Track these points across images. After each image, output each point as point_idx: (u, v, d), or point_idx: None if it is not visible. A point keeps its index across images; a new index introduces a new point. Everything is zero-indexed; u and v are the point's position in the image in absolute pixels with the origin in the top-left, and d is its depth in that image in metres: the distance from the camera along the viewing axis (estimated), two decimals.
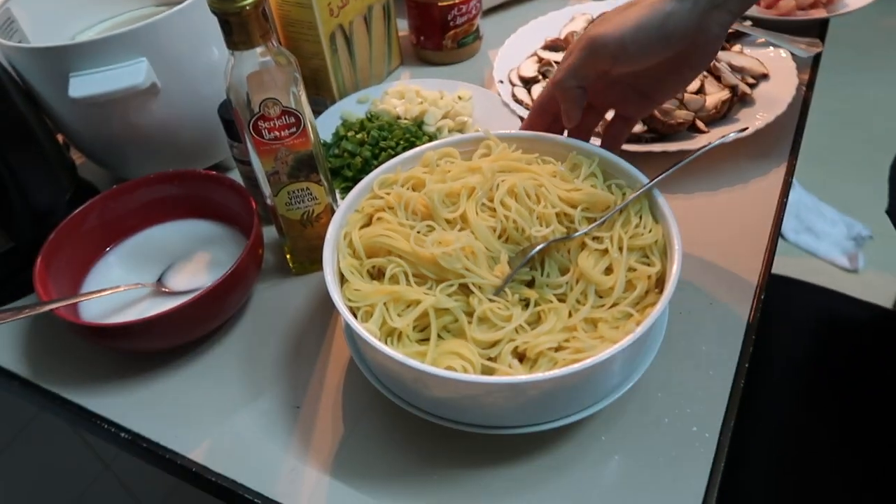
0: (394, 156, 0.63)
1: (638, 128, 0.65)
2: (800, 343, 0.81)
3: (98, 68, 0.56)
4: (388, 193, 0.50)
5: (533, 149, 0.53)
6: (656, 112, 0.65)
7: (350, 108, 0.73)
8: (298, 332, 0.54)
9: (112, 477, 0.87)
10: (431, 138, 0.67)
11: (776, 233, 0.60)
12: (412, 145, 0.65)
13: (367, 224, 0.50)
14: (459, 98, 0.72)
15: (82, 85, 0.55)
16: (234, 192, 0.58)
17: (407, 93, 0.72)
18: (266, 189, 0.52)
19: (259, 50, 0.46)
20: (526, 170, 0.50)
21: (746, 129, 0.54)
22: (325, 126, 0.71)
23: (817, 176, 1.91)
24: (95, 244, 0.58)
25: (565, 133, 0.54)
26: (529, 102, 0.70)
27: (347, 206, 0.50)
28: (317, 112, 0.74)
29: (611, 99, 0.54)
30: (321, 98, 0.75)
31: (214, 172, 0.59)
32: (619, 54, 0.48)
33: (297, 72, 0.48)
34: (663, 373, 0.47)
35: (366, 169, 0.64)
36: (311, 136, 0.50)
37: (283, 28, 0.71)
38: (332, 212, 0.55)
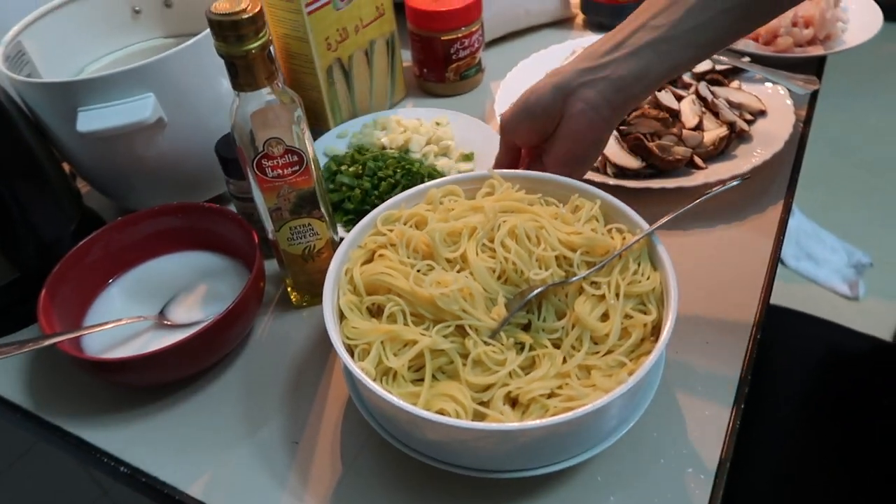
0: (393, 184, 0.65)
1: (636, 164, 0.66)
2: (798, 376, 0.81)
3: (106, 103, 0.57)
4: (390, 230, 0.51)
5: (536, 189, 0.54)
6: (655, 148, 0.66)
7: (331, 143, 0.73)
8: (298, 366, 0.54)
9: (110, 502, 0.87)
10: (420, 163, 0.68)
11: (773, 270, 0.61)
12: (409, 172, 0.66)
13: (370, 260, 0.51)
14: (437, 124, 0.74)
15: (90, 120, 0.56)
16: (236, 225, 0.58)
17: (388, 124, 0.74)
18: (268, 225, 0.53)
19: (264, 90, 0.47)
20: (528, 211, 0.51)
21: (749, 175, 0.54)
22: None
23: (817, 201, 1.92)
24: (99, 276, 0.59)
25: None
26: None
27: (350, 242, 0.50)
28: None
29: (529, 163, 0.59)
30: (319, 128, 0.76)
31: (218, 206, 0.60)
32: (511, 131, 0.56)
33: (301, 110, 0.49)
34: (659, 412, 0.48)
35: (366, 200, 0.65)
36: (314, 173, 0.51)
37: (283, 59, 0.72)
38: (334, 246, 0.56)
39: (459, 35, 0.78)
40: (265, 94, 0.47)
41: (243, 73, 0.46)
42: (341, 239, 0.55)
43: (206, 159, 0.62)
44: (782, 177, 0.68)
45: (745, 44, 0.80)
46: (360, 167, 0.67)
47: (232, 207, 0.64)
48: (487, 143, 0.69)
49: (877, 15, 0.82)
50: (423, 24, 0.78)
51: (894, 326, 1.28)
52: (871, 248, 1.74)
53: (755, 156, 0.66)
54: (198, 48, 0.58)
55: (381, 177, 0.66)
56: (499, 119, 0.59)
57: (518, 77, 0.80)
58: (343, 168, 0.68)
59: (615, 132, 0.69)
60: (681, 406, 0.49)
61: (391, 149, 0.71)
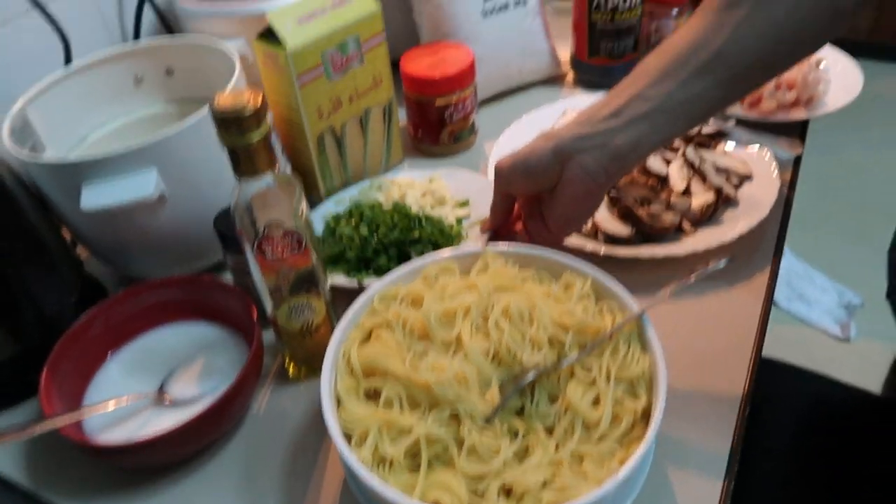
0: (391, 226, 0.67)
1: (626, 231, 0.68)
2: (789, 430, 0.82)
3: (109, 179, 0.58)
4: (387, 309, 0.52)
5: (529, 263, 0.55)
6: (644, 215, 0.68)
7: (329, 209, 0.75)
8: (295, 443, 0.55)
9: None
10: (416, 213, 0.70)
11: (762, 336, 0.62)
12: (405, 216, 0.68)
13: (367, 338, 0.52)
14: (430, 181, 0.76)
15: (93, 196, 0.57)
16: (236, 298, 0.59)
17: (382, 185, 0.76)
18: (267, 303, 0.54)
19: (265, 176, 0.49)
20: (521, 289, 0.52)
21: (733, 257, 0.56)
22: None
23: (807, 242, 1.94)
24: (99, 349, 0.59)
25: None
26: None
27: (349, 322, 0.52)
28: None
29: (526, 215, 0.60)
30: (309, 192, 0.77)
31: (218, 280, 0.61)
32: (506, 183, 0.57)
33: (301, 193, 0.51)
34: (650, 491, 0.49)
35: (366, 247, 0.66)
36: (313, 254, 0.52)
37: (277, 124, 0.73)
38: (331, 322, 0.57)
39: (454, 100, 0.80)
40: (266, 179, 0.49)
41: (245, 162, 0.47)
42: (332, 288, 0.58)
43: (206, 230, 0.63)
44: (768, 243, 0.70)
45: (731, 107, 0.82)
46: (358, 217, 0.69)
47: (229, 275, 0.65)
48: (482, 192, 0.71)
49: (857, 76, 0.85)
50: (418, 89, 0.80)
51: (886, 372, 1.29)
52: (862, 288, 1.76)
53: (742, 223, 0.68)
54: (201, 124, 0.60)
55: (378, 222, 0.68)
56: (491, 168, 0.60)
57: (511, 138, 0.82)
58: (342, 222, 0.70)
59: (606, 198, 0.70)
60: (672, 482, 0.50)
61: (385, 203, 0.73)
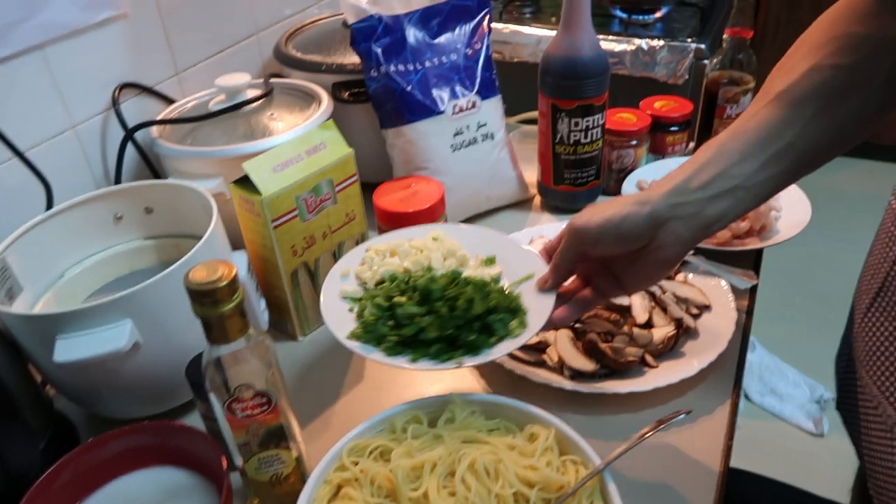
0: (470, 299, 0.61)
1: (591, 366, 0.70)
2: None
3: (84, 331, 0.59)
4: (355, 464, 0.53)
5: (495, 413, 0.57)
6: (608, 350, 0.70)
7: (338, 285, 0.68)
8: None
9: None
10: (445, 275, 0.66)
11: (725, 469, 0.64)
12: (474, 286, 0.63)
13: (336, 494, 0.52)
14: (434, 238, 0.73)
15: (67, 350, 0.58)
16: (206, 446, 0.59)
17: (397, 248, 0.71)
18: (237, 458, 0.55)
19: (236, 342, 0.50)
20: (486, 442, 0.53)
21: (690, 411, 0.58)
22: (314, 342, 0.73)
23: (777, 335, 1.98)
24: (68, 499, 0.59)
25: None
26: None
27: (317, 479, 0.52)
28: (282, 335, 0.78)
29: (590, 273, 0.63)
30: (283, 322, 0.79)
31: (189, 427, 0.61)
32: (592, 243, 0.59)
33: (273, 356, 0.52)
34: None
35: (446, 325, 0.60)
36: (282, 411, 0.53)
37: (253, 259, 0.75)
38: (301, 470, 0.58)
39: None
40: (238, 344, 0.50)
41: (217, 330, 0.49)
42: None
43: (178, 374, 0.64)
44: (728, 374, 0.72)
45: None
46: (414, 293, 0.63)
47: (199, 417, 0.65)
48: (501, 246, 0.70)
49: (806, 206, 0.90)
50: (390, 222, 0.83)
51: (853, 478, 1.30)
52: (832, 382, 1.78)
53: (703, 356, 0.71)
54: (175, 274, 0.62)
55: (451, 296, 0.62)
56: (569, 229, 0.59)
57: None
58: (397, 300, 0.63)
59: (571, 333, 0.73)
60: None
61: (416, 271, 0.68)
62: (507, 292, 0.65)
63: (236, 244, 0.75)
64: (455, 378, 0.73)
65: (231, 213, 0.75)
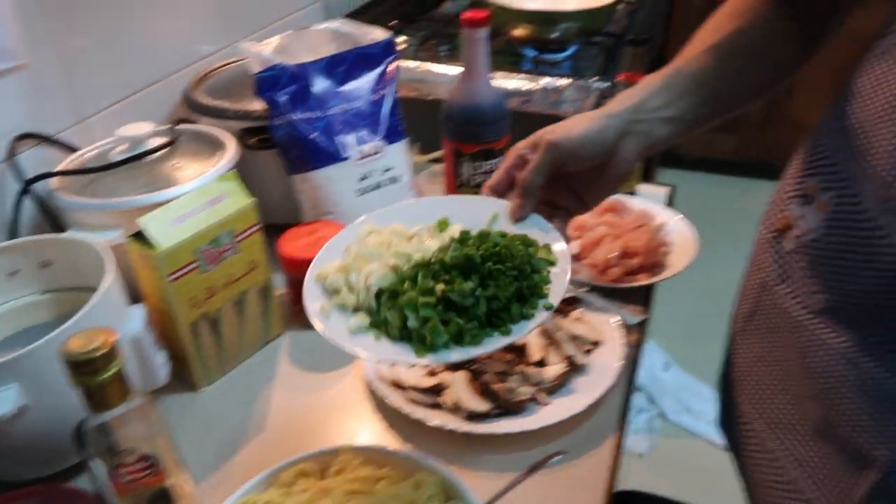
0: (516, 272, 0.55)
1: (486, 407, 0.73)
2: None
3: None
4: None
5: (384, 462, 0.59)
6: (501, 390, 0.73)
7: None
8: None
9: None
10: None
11: (610, 500, 0.67)
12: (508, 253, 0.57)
13: None
14: (369, 233, 0.66)
15: None
16: None
17: (350, 264, 0.63)
18: None
19: (118, 408, 0.51)
20: (372, 492, 0.56)
21: (565, 452, 0.62)
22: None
23: (690, 352, 2.07)
24: None
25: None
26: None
27: None
28: (183, 386, 0.78)
29: (554, 194, 0.66)
30: (185, 374, 0.79)
31: (76, 489, 0.61)
32: (571, 156, 0.61)
33: (159, 416, 0.53)
34: None
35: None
36: (169, 472, 0.54)
37: (152, 314, 0.75)
38: None
39: None
40: (120, 410, 0.51)
41: (97, 399, 0.50)
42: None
43: (68, 436, 0.64)
44: (615, 408, 0.76)
45: (584, 274, 0.91)
46: (451, 272, 0.56)
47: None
48: (429, 209, 0.66)
49: (694, 240, 0.95)
50: (295, 268, 0.85)
51: None
52: None
53: (591, 392, 0.75)
54: (65, 335, 0.62)
55: (490, 254, 0.56)
56: (544, 143, 0.59)
57: None
58: (438, 287, 0.55)
59: (466, 375, 0.76)
60: None
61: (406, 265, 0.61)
62: (516, 238, 0.59)
63: (135, 297, 0.76)
64: (354, 422, 0.75)
65: (131, 264, 0.76)
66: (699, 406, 1.87)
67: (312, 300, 0.60)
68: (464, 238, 0.60)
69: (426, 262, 0.59)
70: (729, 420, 0.73)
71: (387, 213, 0.68)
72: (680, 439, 1.83)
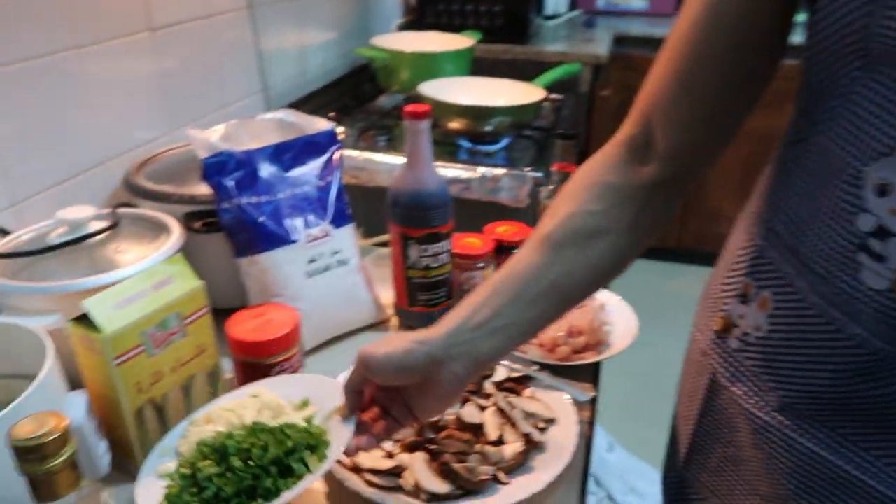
0: (263, 446, 0.63)
1: (447, 488, 0.71)
2: None
3: None
4: None
5: None
6: (462, 471, 0.72)
7: (160, 461, 0.69)
8: None
9: None
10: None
11: None
12: (269, 432, 0.65)
13: None
14: (254, 395, 0.74)
15: None
16: None
17: (209, 415, 0.72)
18: None
19: (67, 498, 0.47)
20: None
21: None
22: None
23: (634, 433, 2.09)
24: None
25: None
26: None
27: None
28: (125, 476, 0.73)
29: (385, 401, 0.66)
30: (127, 463, 0.74)
31: None
32: (374, 372, 0.61)
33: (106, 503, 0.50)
34: None
35: (243, 479, 0.61)
36: None
37: (94, 400, 0.71)
38: None
39: (279, 359, 0.83)
40: (69, 500, 0.47)
41: (45, 488, 0.46)
42: None
43: None
44: (574, 483, 0.76)
45: (532, 353, 0.92)
46: (219, 453, 0.63)
47: None
48: (313, 389, 0.72)
49: (634, 321, 0.99)
50: (244, 352, 0.82)
51: None
52: None
53: (550, 469, 0.74)
54: (5, 422, 0.58)
55: (245, 448, 0.63)
56: (359, 356, 0.62)
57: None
58: (199, 465, 0.63)
59: (426, 455, 0.74)
60: None
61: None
62: (310, 430, 0.66)
63: (75, 383, 0.71)
64: None
65: (70, 350, 0.72)
66: (645, 487, 1.88)
67: (147, 473, 0.67)
68: (253, 429, 0.66)
69: (223, 436, 0.66)
70: None
71: (277, 382, 0.77)
72: None
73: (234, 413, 0.71)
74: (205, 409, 0.74)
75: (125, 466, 0.75)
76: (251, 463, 0.62)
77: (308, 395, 0.73)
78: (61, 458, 0.45)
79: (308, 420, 0.69)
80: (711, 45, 0.57)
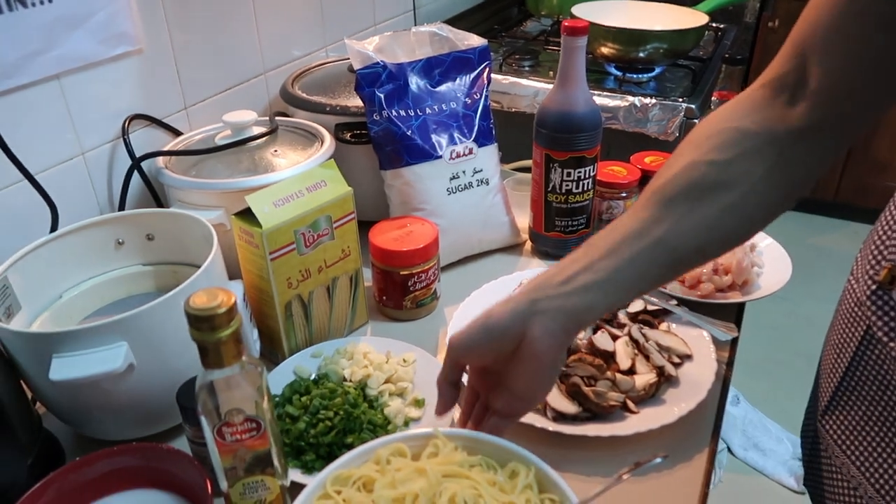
0: (330, 427, 0.68)
1: (574, 409, 0.72)
2: None
3: (81, 351, 0.61)
4: (338, 492, 0.54)
5: (477, 449, 0.58)
6: (591, 394, 0.72)
7: (304, 362, 0.78)
8: None
9: None
10: (372, 403, 0.73)
11: None
12: (349, 416, 0.69)
13: None
14: (404, 361, 0.78)
15: (63, 368, 0.60)
16: (192, 470, 0.60)
17: (355, 354, 0.78)
18: (223, 482, 0.56)
19: (231, 367, 0.52)
20: (468, 477, 0.55)
21: (667, 455, 0.60)
22: (277, 381, 0.75)
23: (761, 390, 1.99)
24: None
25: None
26: None
27: None
28: (272, 364, 0.79)
29: (485, 391, 0.62)
30: (273, 350, 0.80)
31: (176, 450, 0.62)
32: (465, 350, 0.58)
33: (264, 381, 0.54)
34: None
35: (303, 437, 0.68)
36: (270, 437, 0.55)
37: (248, 288, 0.77)
38: (285, 499, 0.59)
39: (417, 271, 0.86)
40: (232, 369, 0.52)
41: (213, 356, 0.51)
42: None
43: (169, 398, 0.65)
44: (707, 424, 0.74)
45: (672, 287, 0.89)
46: (309, 400, 0.71)
47: (185, 441, 0.66)
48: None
49: (787, 262, 0.92)
50: (384, 260, 0.86)
51: None
52: None
53: (683, 404, 0.72)
54: (173, 301, 0.64)
55: (321, 417, 0.69)
56: (447, 342, 0.60)
57: (471, 306, 0.87)
58: (295, 398, 0.72)
59: None
60: None
61: (350, 381, 0.75)
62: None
63: (232, 274, 0.77)
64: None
65: (229, 244, 0.78)
66: (768, 444, 1.80)
67: None
68: (349, 406, 0.70)
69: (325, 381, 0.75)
70: (817, 479, 0.69)
71: (428, 361, 0.79)
72: (746, 476, 1.76)
73: (370, 368, 0.76)
74: (356, 345, 0.79)
75: (272, 355, 0.81)
76: (312, 432, 0.68)
77: (429, 397, 0.73)
78: (230, 330, 0.50)
79: (406, 423, 0.72)
80: None
